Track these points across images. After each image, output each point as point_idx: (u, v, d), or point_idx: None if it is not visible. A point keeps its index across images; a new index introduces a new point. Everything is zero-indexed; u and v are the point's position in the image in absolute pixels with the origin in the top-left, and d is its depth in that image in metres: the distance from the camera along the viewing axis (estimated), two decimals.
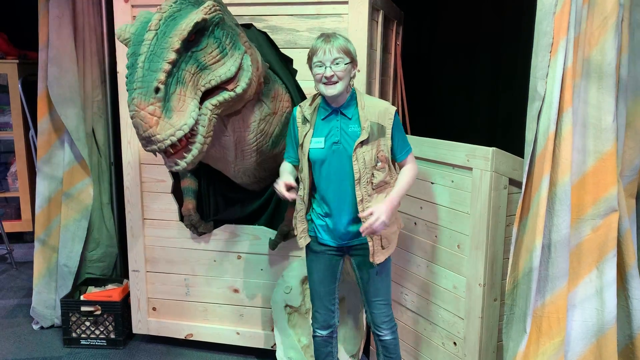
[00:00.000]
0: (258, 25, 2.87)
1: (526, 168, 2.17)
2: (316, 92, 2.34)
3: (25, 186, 4.84)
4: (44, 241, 3.60)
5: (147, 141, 2.06)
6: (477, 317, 2.47)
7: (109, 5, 3.27)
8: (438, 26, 4.59)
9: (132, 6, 2.95)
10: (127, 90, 2.06)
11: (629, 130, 2.21)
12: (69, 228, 3.53)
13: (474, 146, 2.42)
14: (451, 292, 2.60)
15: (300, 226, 2.39)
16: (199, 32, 2.16)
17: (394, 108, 2.30)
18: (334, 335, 2.55)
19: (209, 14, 2.16)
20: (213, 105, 2.24)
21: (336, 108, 2.28)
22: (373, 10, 2.89)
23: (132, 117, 2.02)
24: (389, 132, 2.26)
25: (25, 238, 5.09)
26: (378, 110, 2.27)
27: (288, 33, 2.84)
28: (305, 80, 2.85)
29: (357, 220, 2.29)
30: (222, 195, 3.19)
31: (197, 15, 2.12)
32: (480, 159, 2.38)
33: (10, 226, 4.82)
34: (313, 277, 2.46)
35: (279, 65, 2.89)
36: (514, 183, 2.42)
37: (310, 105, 2.34)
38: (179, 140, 2.08)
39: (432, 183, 2.63)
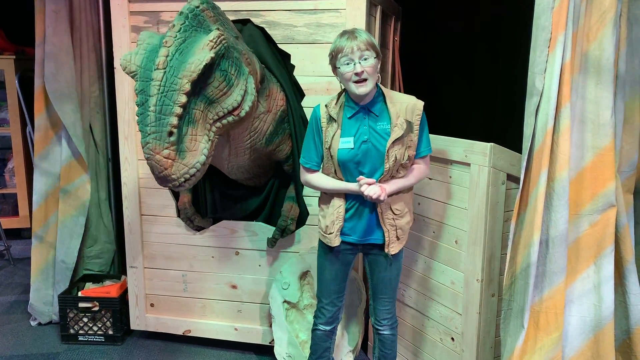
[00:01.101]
0: (255, 20, 2.86)
1: (524, 163, 2.17)
2: (340, 91, 2.31)
3: (22, 182, 4.83)
4: (42, 237, 3.60)
5: (162, 180, 2.13)
6: (474, 312, 2.47)
7: (106, 0, 3.25)
8: (436, 21, 4.58)
9: (129, 1, 2.94)
10: (140, 131, 2.09)
11: (626, 125, 2.21)
12: (67, 224, 3.52)
13: (472, 142, 2.42)
14: (449, 288, 2.60)
15: (337, 223, 2.29)
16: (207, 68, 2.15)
17: (422, 103, 2.27)
18: (335, 331, 2.55)
19: (215, 48, 2.14)
20: (217, 128, 2.27)
21: (363, 106, 2.23)
22: (371, 5, 2.88)
23: (147, 159, 2.08)
24: (416, 127, 2.24)
25: (22, 234, 5.08)
26: (406, 106, 2.24)
27: (286, 28, 2.83)
28: (303, 76, 2.85)
29: (377, 219, 2.28)
30: (219, 191, 3.18)
31: (204, 54, 2.10)
32: (478, 155, 2.38)
33: (7, 222, 4.81)
34: (325, 274, 2.43)
35: (274, 63, 2.88)
36: (512, 178, 2.42)
37: (336, 104, 2.28)
38: (192, 175, 2.14)
39: (430, 179, 2.63)
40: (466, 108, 4.46)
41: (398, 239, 2.31)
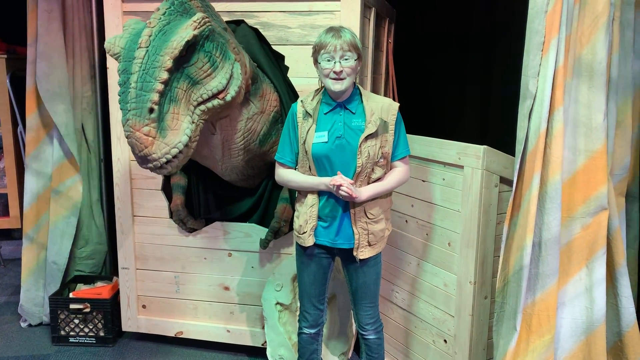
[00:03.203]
0: (249, 21, 2.85)
1: (517, 166, 2.18)
2: (317, 88, 2.32)
3: (13, 182, 4.79)
4: (33, 238, 3.57)
5: (142, 160, 2.08)
6: (467, 314, 2.47)
7: (99, 0, 3.23)
8: (430, 24, 4.59)
9: (123, 1, 2.93)
10: (121, 110, 2.06)
11: (619, 129, 2.23)
12: (58, 225, 3.50)
13: (465, 144, 2.42)
14: (442, 290, 2.60)
15: (310, 223, 2.28)
16: (189, 47, 2.14)
17: (397, 104, 2.28)
18: (321, 333, 2.54)
19: (199, 28, 2.14)
20: (201, 111, 2.24)
21: (340, 102, 2.24)
22: (365, 7, 2.88)
23: (127, 137, 2.03)
24: (392, 127, 2.23)
25: (13, 235, 5.04)
26: (382, 106, 2.24)
27: (280, 30, 2.83)
28: (297, 77, 2.85)
29: (350, 221, 2.26)
30: (213, 193, 3.17)
31: (186, 32, 2.10)
32: (472, 157, 2.38)
33: None
34: (304, 278, 2.43)
35: (268, 63, 2.88)
36: (505, 181, 2.43)
37: (312, 100, 2.29)
38: (174, 156, 2.10)
39: (423, 181, 2.64)
40: (459, 111, 4.48)
41: (370, 244, 2.28)
